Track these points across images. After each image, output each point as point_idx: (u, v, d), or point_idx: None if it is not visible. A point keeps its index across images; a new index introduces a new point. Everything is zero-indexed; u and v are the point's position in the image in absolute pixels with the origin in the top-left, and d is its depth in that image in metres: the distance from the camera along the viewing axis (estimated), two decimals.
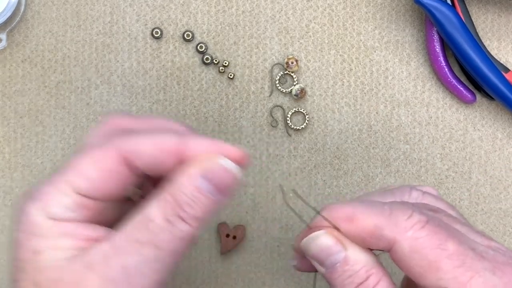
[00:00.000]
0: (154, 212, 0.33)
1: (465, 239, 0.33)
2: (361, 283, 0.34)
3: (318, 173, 0.52)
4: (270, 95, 0.52)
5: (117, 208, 0.37)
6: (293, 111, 0.52)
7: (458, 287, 0.32)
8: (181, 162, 0.35)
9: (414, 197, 0.38)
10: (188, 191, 0.34)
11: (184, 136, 0.35)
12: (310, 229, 0.35)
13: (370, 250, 0.34)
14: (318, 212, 0.36)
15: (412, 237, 0.32)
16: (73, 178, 0.34)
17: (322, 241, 0.35)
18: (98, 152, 0.35)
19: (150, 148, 0.35)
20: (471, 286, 0.31)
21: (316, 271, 0.36)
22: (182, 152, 0.35)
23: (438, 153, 0.52)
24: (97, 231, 0.34)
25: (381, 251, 0.34)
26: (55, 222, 0.34)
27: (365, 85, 0.52)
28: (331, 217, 0.34)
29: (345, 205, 0.34)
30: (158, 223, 0.33)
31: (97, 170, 0.34)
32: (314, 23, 0.52)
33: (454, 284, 0.32)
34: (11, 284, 0.35)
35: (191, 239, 0.34)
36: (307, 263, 0.37)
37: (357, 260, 0.34)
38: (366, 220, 0.33)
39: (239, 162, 0.35)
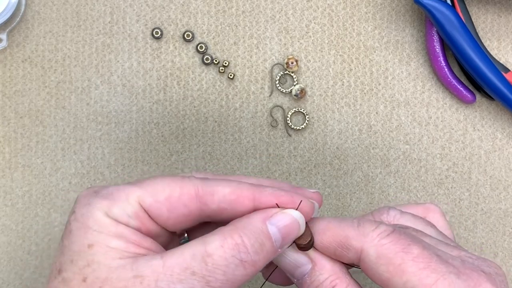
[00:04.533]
0: (216, 248, 0.33)
1: (430, 246, 0.34)
2: None
3: (318, 173, 0.52)
4: (270, 95, 0.52)
5: (163, 242, 0.37)
6: (293, 111, 0.52)
7: None
8: (253, 211, 0.36)
9: (392, 215, 0.39)
10: (259, 236, 0.34)
11: (260, 188, 0.36)
12: None
13: (341, 262, 0.36)
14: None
15: (377, 244, 0.33)
16: (142, 192, 0.35)
17: (290, 255, 0.36)
18: (175, 181, 0.35)
19: (227, 191, 0.35)
20: None
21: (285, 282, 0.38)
22: (256, 202, 0.35)
23: (438, 153, 0.52)
24: (149, 243, 0.35)
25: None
26: (112, 221, 0.34)
27: (365, 85, 0.52)
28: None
29: (321, 219, 0.36)
30: (216, 260, 0.33)
31: (167, 195, 0.35)
32: (314, 23, 0.52)
33: (420, 286, 0.32)
34: (53, 273, 0.35)
35: (239, 285, 0.34)
36: (276, 274, 0.38)
37: (322, 271, 0.35)
38: (337, 231, 0.35)
39: (307, 213, 0.36)
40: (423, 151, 0.52)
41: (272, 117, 0.52)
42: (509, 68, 0.52)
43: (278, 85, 0.52)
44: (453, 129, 0.53)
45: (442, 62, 0.51)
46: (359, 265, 0.35)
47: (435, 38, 0.51)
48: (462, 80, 0.52)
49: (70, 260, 0.34)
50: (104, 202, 0.35)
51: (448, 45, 0.50)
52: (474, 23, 0.52)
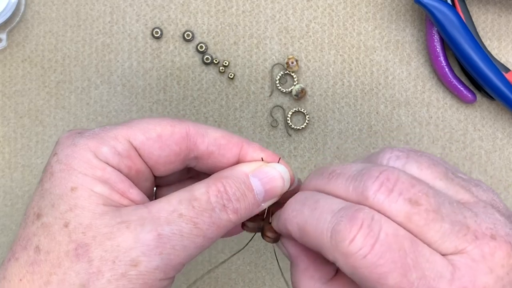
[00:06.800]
0: (202, 192, 0.34)
1: (416, 261, 0.30)
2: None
3: None
4: (270, 95, 0.52)
5: (147, 190, 0.37)
6: (293, 111, 0.52)
7: None
8: (239, 162, 0.36)
9: (393, 163, 0.34)
10: (241, 186, 0.35)
11: (248, 140, 0.37)
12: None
13: None
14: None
15: (352, 266, 0.30)
16: (132, 131, 0.34)
17: (281, 245, 0.37)
18: (166, 121, 0.35)
19: (218, 135, 0.36)
20: None
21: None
22: (244, 153, 0.36)
23: (438, 153, 0.52)
24: (134, 194, 0.34)
25: None
26: (100, 164, 0.33)
27: (365, 85, 0.52)
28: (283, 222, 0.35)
29: (299, 214, 0.33)
30: (203, 204, 0.33)
31: (158, 133, 0.35)
32: (314, 23, 0.52)
33: None
34: (29, 218, 0.33)
35: (223, 231, 0.34)
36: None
37: (287, 250, 0.36)
38: (311, 239, 0.32)
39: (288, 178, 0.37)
40: (424, 151, 0.52)
41: (272, 117, 0.52)
42: (510, 67, 0.52)
43: (278, 85, 0.52)
44: (453, 129, 0.52)
45: (443, 62, 0.51)
46: None
47: (436, 37, 0.51)
48: (463, 80, 0.52)
49: (51, 204, 0.32)
50: (92, 142, 0.33)
51: (449, 45, 0.50)
52: (475, 23, 0.52)
